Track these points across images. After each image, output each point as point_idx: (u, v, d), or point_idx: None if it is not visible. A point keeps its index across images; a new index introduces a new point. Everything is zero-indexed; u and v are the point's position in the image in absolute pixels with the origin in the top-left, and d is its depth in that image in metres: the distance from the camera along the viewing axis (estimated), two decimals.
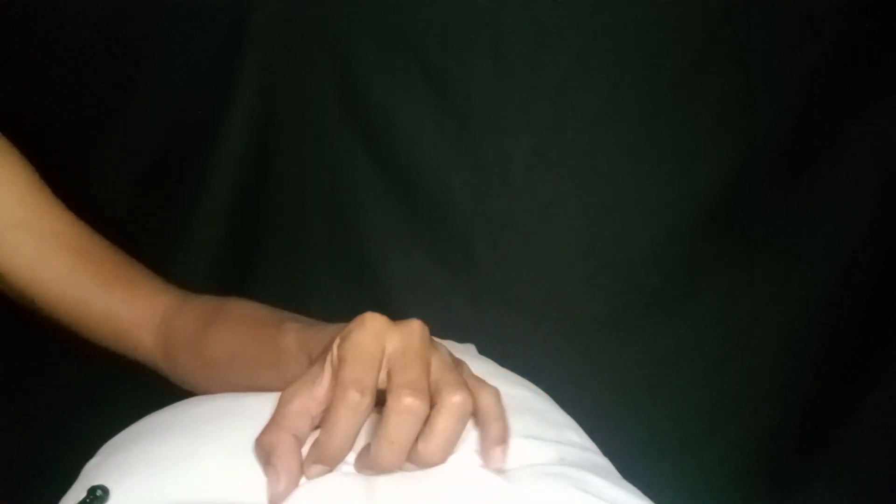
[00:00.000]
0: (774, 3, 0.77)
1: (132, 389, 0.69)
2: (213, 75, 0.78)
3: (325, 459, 0.43)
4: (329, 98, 0.80)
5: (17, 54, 0.76)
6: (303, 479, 0.44)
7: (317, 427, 0.45)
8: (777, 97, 0.80)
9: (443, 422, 0.42)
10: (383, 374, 0.44)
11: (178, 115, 0.79)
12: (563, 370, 0.80)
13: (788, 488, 0.87)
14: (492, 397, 0.47)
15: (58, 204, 0.65)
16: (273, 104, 0.80)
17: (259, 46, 0.78)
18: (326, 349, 0.46)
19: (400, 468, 0.43)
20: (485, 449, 0.46)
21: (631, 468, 0.53)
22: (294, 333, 0.53)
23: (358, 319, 0.45)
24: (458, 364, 0.48)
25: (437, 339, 0.48)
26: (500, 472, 0.45)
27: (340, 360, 0.43)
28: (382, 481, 0.44)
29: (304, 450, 0.45)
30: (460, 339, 0.75)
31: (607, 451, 0.54)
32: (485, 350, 0.73)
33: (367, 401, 0.42)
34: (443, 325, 0.77)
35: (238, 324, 0.59)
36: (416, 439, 0.42)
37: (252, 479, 0.46)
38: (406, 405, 0.41)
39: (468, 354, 0.69)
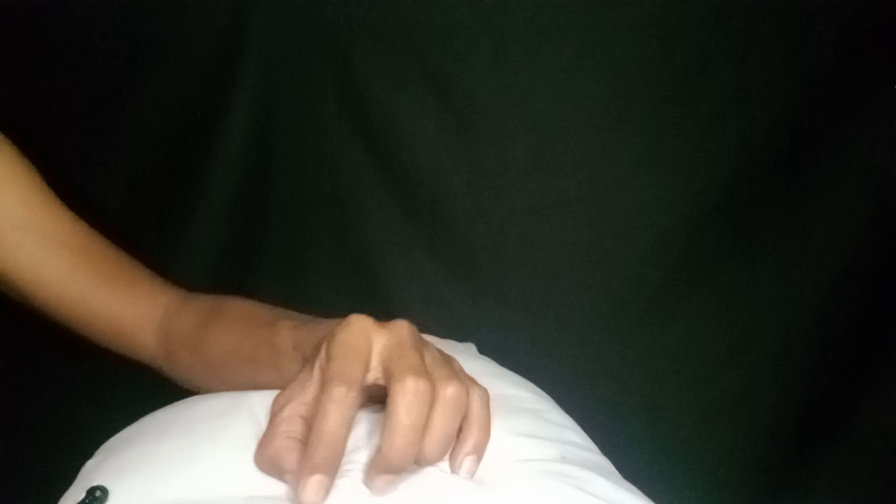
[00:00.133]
0: (774, 3, 0.77)
1: (131, 389, 0.69)
2: (213, 75, 0.78)
3: (316, 460, 0.41)
4: (329, 98, 0.80)
5: (16, 51, 0.76)
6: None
7: None
8: (777, 97, 0.80)
9: (439, 416, 0.42)
10: (378, 372, 0.43)
11: (178, 115, 0.79)
12: (562, 370, 0.80)
13: (788, 488, 0.87)
14: (480, 401, 0.46)
15: (59, 204, 0.65)
16: (273, 104, 0.80)
17: (259, 46, 0.78)
18: (316, 351, 0.46)
19: (412, 462, 0.42)
20: (457, 453, 0.45)
21: (631, 468, 0.53)
22: (287, 332, 0.53)
23: (344, 321, 0.45)
24: (449, 360, 0.48)
25: (426, 337, 0.48)
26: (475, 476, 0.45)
27: (328, 359, 0.43)
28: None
29: None
30: (460, 339, 0.75)
31: (607, 451, 0.55)
32: (485, 349, 0.73)
33: (354, 394, 0.41)
34: (443, 325, 0.77)
35: (235, 323, 0.59)
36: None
37: (251, 479, 0.46)
38: (411, 386, 0.41)
39: (468, 354, 0.70)
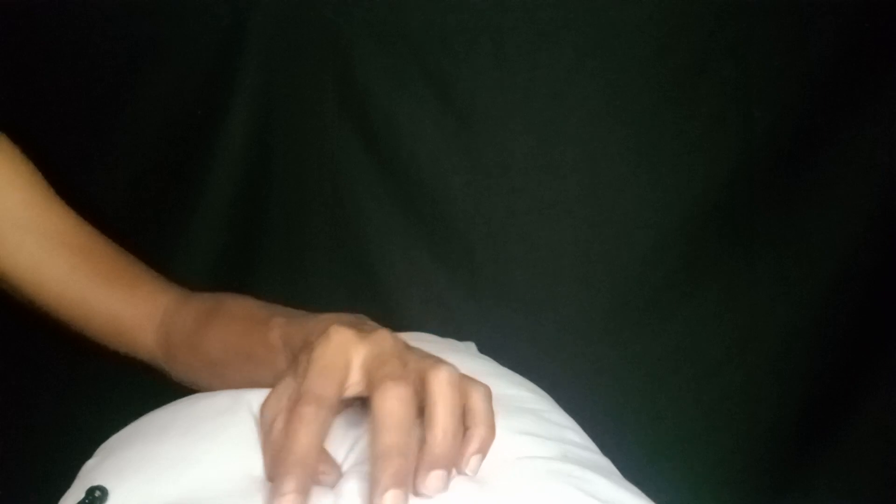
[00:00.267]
0: (774, 3, 0.77)
1: (131, 389, 0.69)
2: (213, 75, 0.78)
3: (285, 480, 0.40)
4: (329, 98, 0.80)
5: (16, 51, 0.76)
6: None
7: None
8: (777, 97, 0.80)
9: (441, 407, 0.41)
10: (361, 385, 0.43)
11: (178, 115, 0.79)
12: (562, 369, 0.80)
13: (788, 488, 0.87)
14: (482, 398, 0.45)
15: (60, 203, 0.65)
16: (273, 104, 0.80)
17: (259, 46, 0.78)
18: (299, 355, 0.45)
19: (408, 472, 0.41)
20: (464, 452, 0.44)
21: (631, 468, 0.53)
22: (279, 329, 0.53)
23: (325, 333, 0.44)
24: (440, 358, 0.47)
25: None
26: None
27: (303, 373, 0.43)
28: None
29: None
30: (460, 339, 0.75)
31: (607, 451, 0.54)
32: (485, 349, 0.73)
33: (324, 412, 0.41)
34: (443, 325, 0.77)
35: (232, 321, 0.59)
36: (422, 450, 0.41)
37: (252, 478, 0.46)
38: (390, 388, 0.41)
39: (468, 353, 0.70)
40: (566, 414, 0.57)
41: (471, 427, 0.45)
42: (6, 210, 0.62)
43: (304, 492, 0.40)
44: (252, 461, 0.46)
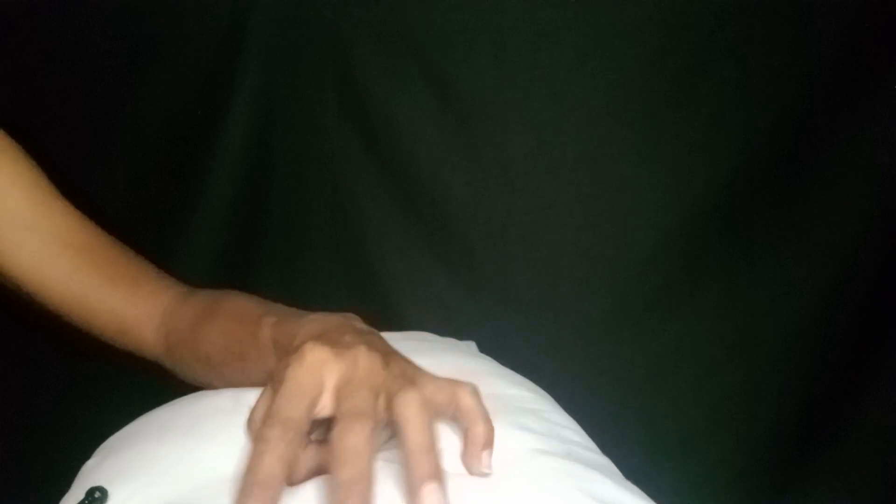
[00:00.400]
0: (774, 3, 0.77)
1: (131, 389, 0.69)
2: (213, 75, 0.78)
3: (245, 496, 0.39)
4: (329, 98, 0.80)
5: (16, 51, 0.76)
6: None
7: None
8: (777, 97, 0.80)
9: (412, 432, 0.41)
10: (331, 408, 0.43)
11: (178, 115, 0.79)
12: (562, 369, 0.80)
13: (788, 488, 0.87)
14: (471, 396, 0.45)
15: (62, 202, 0.65)
16: (273, 104, 0.80)
17: (259, 46, 0.78)
18: (279, 364, 0.45)
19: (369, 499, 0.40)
20: (469, 454, 0.44)
21: (631, 468, 0.53)
22: (269, 329, 0.53)
23: (299, 351, 0.44)
24: (418, 375, 0.46)
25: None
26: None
27: (273, 391, 0.43)
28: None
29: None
30: (460, 338, 0.75)
31: (607, 450, 0.54)
32: (485, 349, 0.73)
33: (290, 434, 0.41)
34: (443, 325, 0.77)
35: (227, 320, 0.59)
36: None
37: None
38: (350, 425, 0.40)
39: (469, 353, 0.70)
40: (566, 414, 0.57)
41: (468, 427, 0.45)
42: (8, 209, 0.62)
43: None
44: None
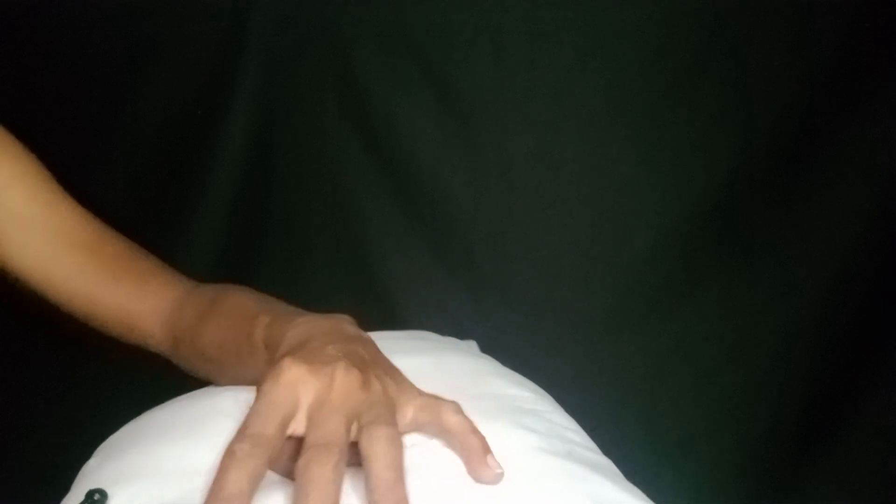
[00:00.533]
0: (774, 3, 0.77)
1: (131, 389, 0.69)
2: (213, 75, 0.78)
3: None
4: (329, 98, 0.80)
5: (16, 51, 0.76)
6: None
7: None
8: (777, 97, 0.80)
9: (377, 469, 0.40)
10: (304, 430, 0.43)
11: (179, 115, 0.79)
12: (563, 369, 0.80)
13: (788, 488, 0.87)
14: (454, 413, 0.45)
15: (68, 200, 0.65)
16: (273, 104, 0.80)
17: (259, 46, 0.78)
18: (259, 381, 0.45)
19: None
20: (474, 464, 0.44)
21: (631, 468, 0.53)
22: (261, 329, 0.53)
23: (276, 367, 0.44)
24: (400, 393, 0.46)
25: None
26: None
27: (249, 408, 0.43)
28: None
29: None
30: (461, 338, 0.75)
31: (607, 450, 0.54)
32: (485, 349, 0.73)
33: (259, 450, 0.40)
34: (443, 325, 0.77)
35: (224, 317, 0.59)
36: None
37: None
38: (316, 458, 0.40)
39: (470, 352, 0.70)
40: (567, 414, 0.57)
41: (460, 441, 0.45)
42: (13, 208, 0.62)
43: None
44: None
